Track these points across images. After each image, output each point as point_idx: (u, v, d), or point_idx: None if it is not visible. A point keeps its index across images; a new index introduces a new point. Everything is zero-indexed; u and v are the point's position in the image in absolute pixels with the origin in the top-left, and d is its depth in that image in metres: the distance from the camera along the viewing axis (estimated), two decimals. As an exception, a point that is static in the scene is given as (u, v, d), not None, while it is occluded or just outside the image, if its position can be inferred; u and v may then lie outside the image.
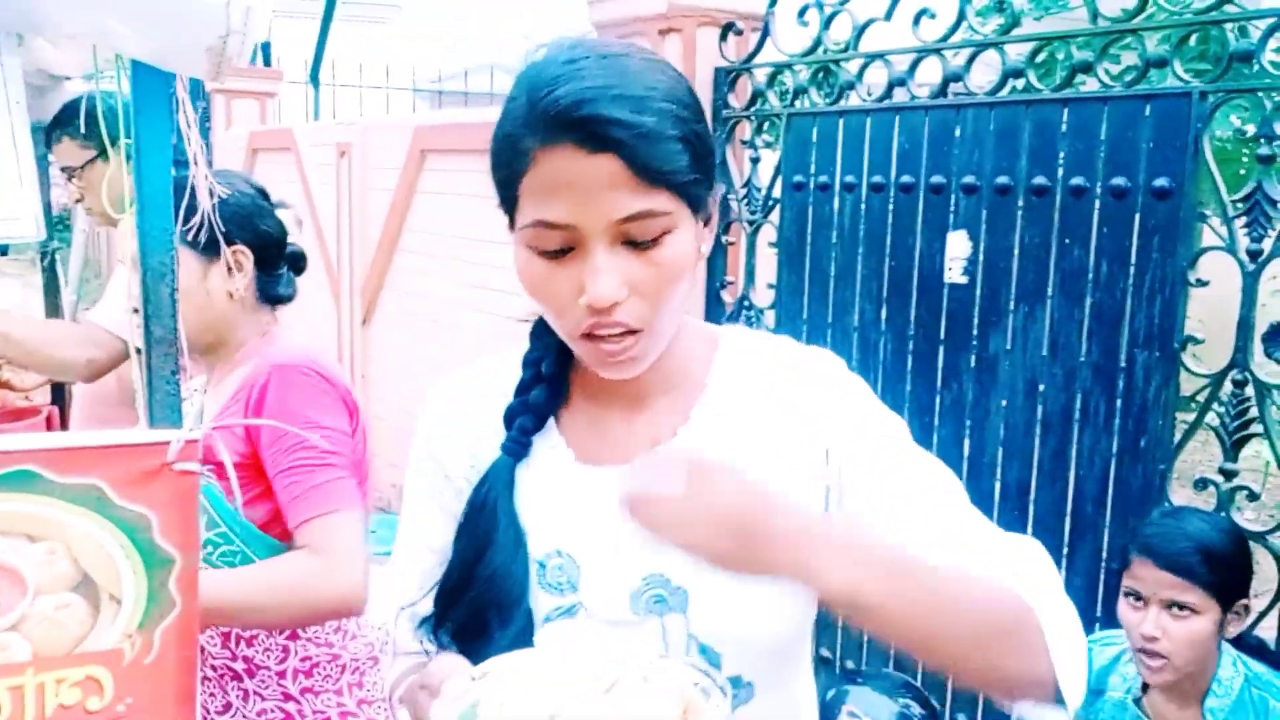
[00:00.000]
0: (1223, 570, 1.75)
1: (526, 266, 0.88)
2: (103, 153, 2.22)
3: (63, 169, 2.35)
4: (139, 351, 1.13)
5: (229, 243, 1.57)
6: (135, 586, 1.03)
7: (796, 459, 0.93)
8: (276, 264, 1.74)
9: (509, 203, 0.88)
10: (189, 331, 1.43)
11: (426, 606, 1.01)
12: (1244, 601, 1.78)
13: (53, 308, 2.82)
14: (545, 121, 0.81)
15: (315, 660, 1.63)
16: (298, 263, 1.82)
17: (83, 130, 2.21)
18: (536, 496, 0.96)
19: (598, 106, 0.80)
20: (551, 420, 0.99)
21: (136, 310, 1.13)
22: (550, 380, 0.98)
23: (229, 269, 1.64)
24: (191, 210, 1.26)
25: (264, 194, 1.77)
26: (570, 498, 0.96)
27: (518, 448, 0.97)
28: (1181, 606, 1.73)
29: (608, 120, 0.80)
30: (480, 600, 0.94)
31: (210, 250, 1.60)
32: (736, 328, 1.11)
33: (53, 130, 2.29)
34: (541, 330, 0.99)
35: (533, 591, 0.94)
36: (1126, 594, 1.81)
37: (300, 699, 1.63)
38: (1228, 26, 2.18)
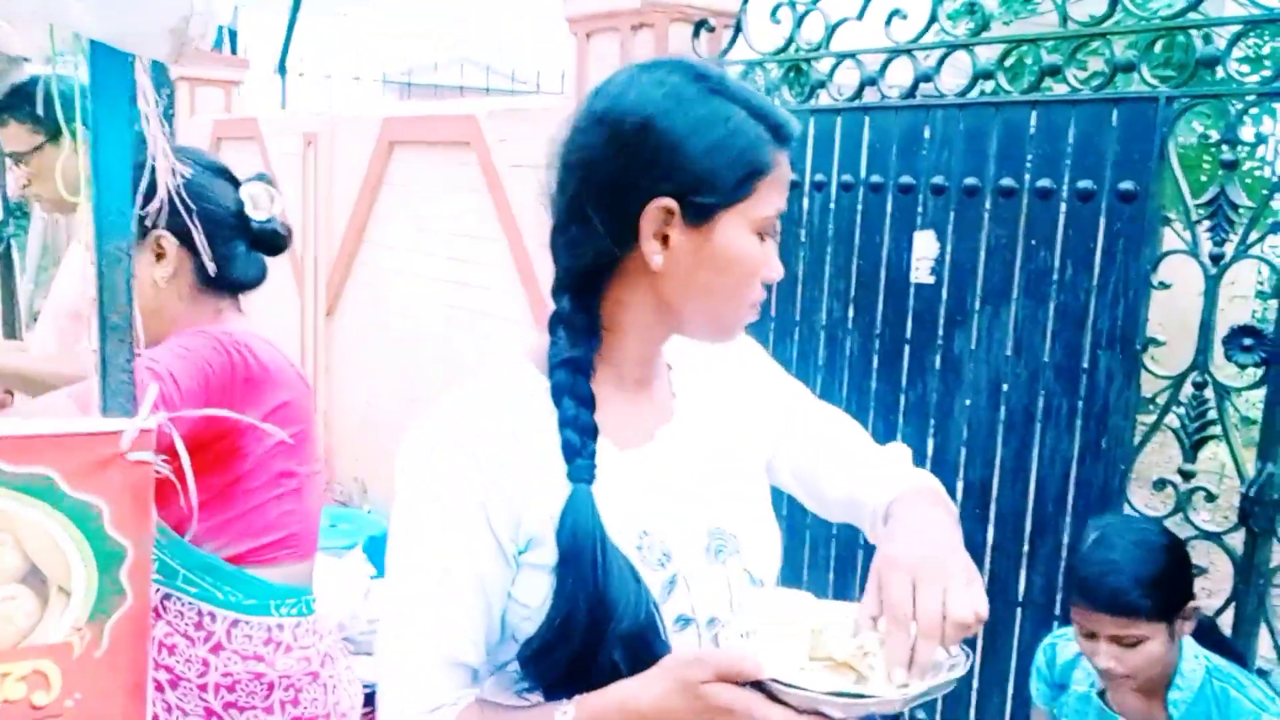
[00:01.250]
0: (1163, 593, 1.72)
1: (750, 247, 1.03)
2: (52, 138, 2.16)
3: (9, 154, 2.27)
4: (93, 348, 1.10)
5: (150, 227, 1.50)
6: (85, 578, 1.01)
7: (749, 411, 1.20)
8: (227, 245, 1.64)
9: (735, 195, 1.00)
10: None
11: (476, 657, 1.00)
12: (1190, 605, 1.77)
13: (8, 295, 2.76)
14: (778, 132, 1.03)
15: (237, 677, 1.56)
16: (268, 241, 1.71)
17: (31, 114, 2.14)
18: (602, 491, 1.00)
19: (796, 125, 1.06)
20: None
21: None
22: (590, 400, 1.04)
23: (155, 257, 1.57)
24: (150, 194, 1.23)
25: (217, 170, 1.67)
26: (626, 483, 1.04)
27: (592, 474, 1.00)
28: (1130, 637, 1.72)
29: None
30: (611, 635, 0.96)
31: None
32: None
33: None
34: (568, 361, 1.04)
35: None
36: (1075, 625, 1.80)
37: (224, 714, 1.57)
38: (1194, 33, 2.20)
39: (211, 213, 1.60)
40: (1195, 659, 1.79)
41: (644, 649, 0.97)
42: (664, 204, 1.00)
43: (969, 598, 0.90)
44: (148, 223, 1.52)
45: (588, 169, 1.02)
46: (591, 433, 1.02)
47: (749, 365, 1.24)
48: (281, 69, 7.33)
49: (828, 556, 2.88)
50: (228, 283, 1.67)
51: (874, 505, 1.17)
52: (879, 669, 0.89)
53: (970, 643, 0.90)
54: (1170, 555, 1.79)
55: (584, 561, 0.96)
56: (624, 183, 1.01)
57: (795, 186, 2.92)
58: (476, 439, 1.00)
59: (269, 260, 1.77)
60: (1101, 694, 1.88)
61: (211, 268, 1.61)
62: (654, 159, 1.00)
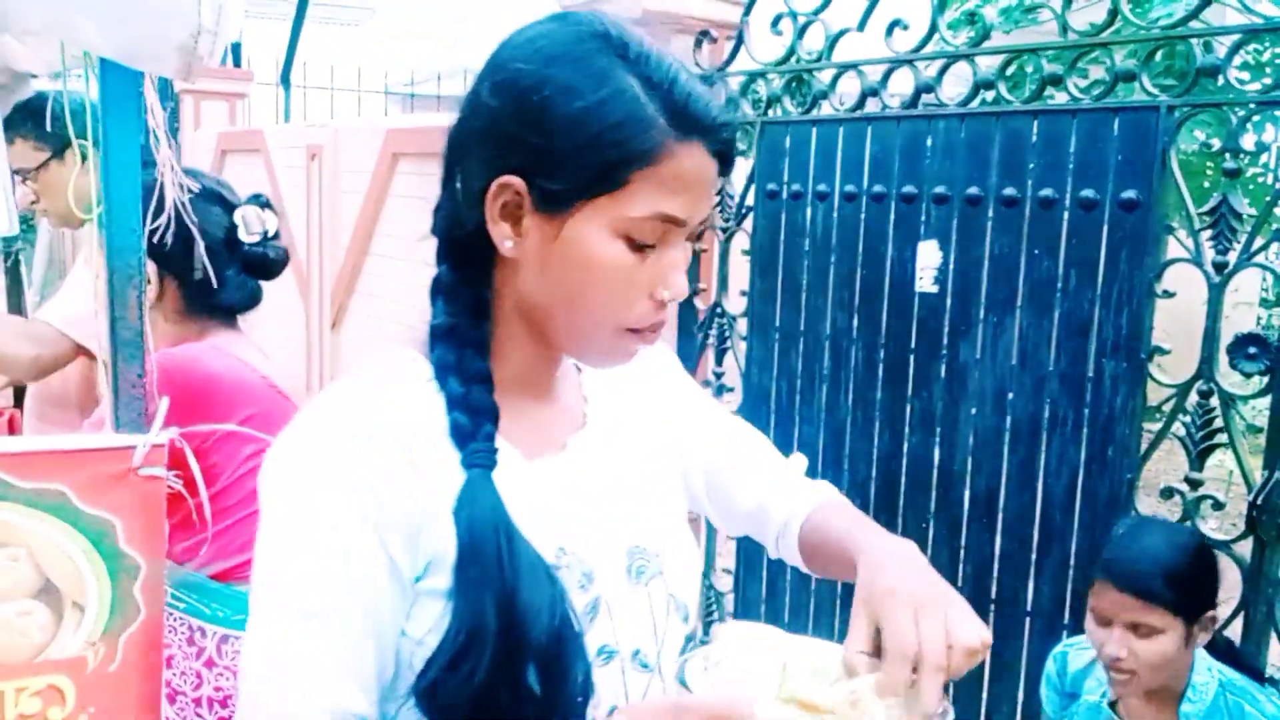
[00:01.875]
0: (1185, 588, 1.74)
1: (612, 256, 0.83)
2: (57, 154, 2.17)
3: (15, 172, 2.28)
4: (105, 365, 1.11)
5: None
6: (99, 593, 1.02)
7: (663, 422, 1.07)
8: (216, 270, 1.63)
9: (596, 185, 0.81)
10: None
11: (366, 705, 0.82)
12: (1210, 614, 1.77)
13: (15, 309, 2.77)
14: (688, 122, 0.82)
15: (228, 692, 1.56)
16: (258, 265, 1.71)
17: (37, 131, 2.15)
18: (510, 505, 0.86)
19: (730, 115, 0.85)
20: None
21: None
22: (489, 382, 0.89)
23: None
24: (159, 213, 1.24)
25: (209, 193, 1.67)
26: (538, 494, 0.90)
27: (489, 457, 0.86)
28: (1145, 626, 1.73)
29: (733, 129, 0.86)
30: (527, 646, 0.81)
31: None
32: None
33: (4, 131, 2.22)
34: (457, 332, 0.90)
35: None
36: (1091, 612, 1.81)
37: None
38: (1194, 41, 2.21)
39: (195, 238, 1.58)
40: (1209, 672, 1.78)
41: (561, 668, 0.83)
42: (507, 181, 0.83)
43: (974, 624, 0.82)
44: (154, 239, 1.53)
45: (456, 125, 0.88)
46: (488, 413, 0.87)
47: (662, 374, 1.11)
48: (285, 81, 7.36)
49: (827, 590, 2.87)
50: (215, 307, 1.67)
51: (784, 517, 1.11)
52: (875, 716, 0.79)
53: (977, 671, 0.87)
54: (1200, 557, 1.82)
55: (488, 556, 0.81)
56: (475, 148, 0.86)
57: (798, 197, 2.93)
58: (360, 439, 0.82)
59: (271, 279, 1.77)
60: (1113, 705, 1.87)
61: (213, 281, 1.62)
62: (506, 125, 0.83)
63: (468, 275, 0.91)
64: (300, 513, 0.81)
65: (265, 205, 1.73)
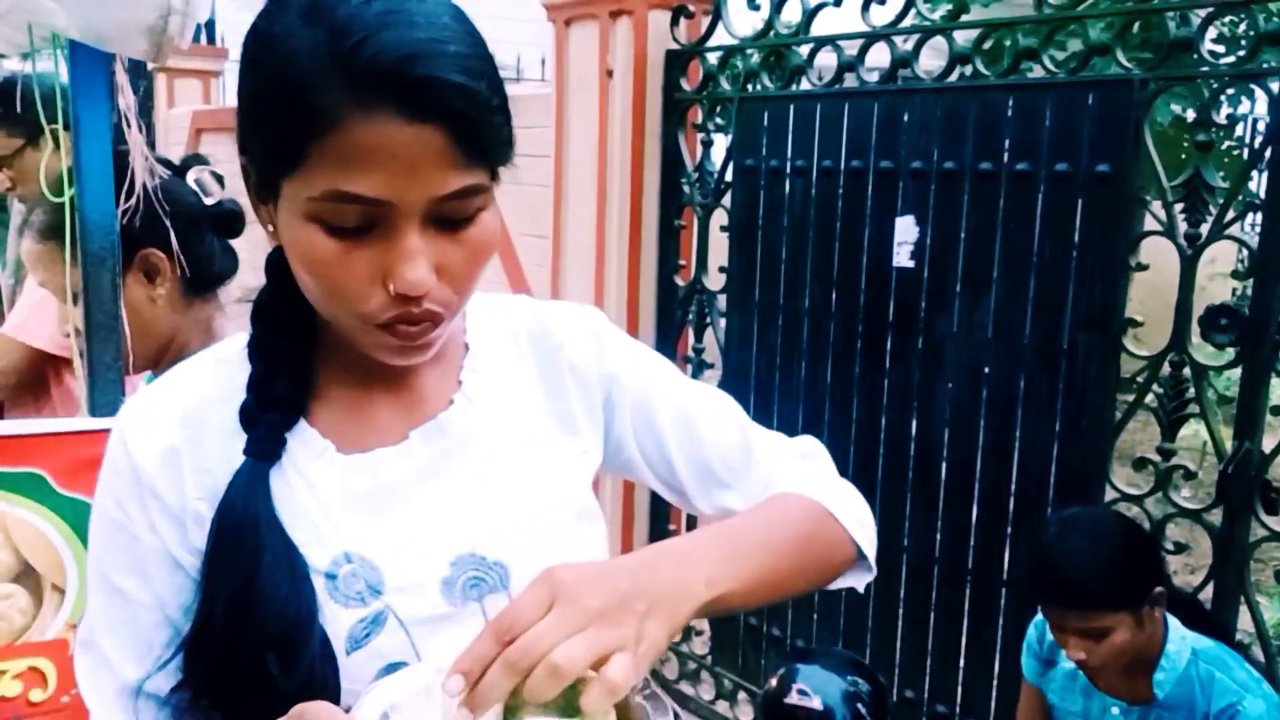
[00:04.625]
0: (1122, 583, 1.74)
1: (310, 243, 0.72)
2: (32, 140, 2.15)
3: None
4: (80, 349, 1.11)
5: (137, 247, 1.42)
6: (79, 575, 1.02)
7: (575, 408, 0.92)
8: (201, 243, 1.56)
9: (282, 162, 0.72)
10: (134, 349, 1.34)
11: (156, 682, 0.81)
12: (1157, 590, 1.77)
13: (-11, 291, 2.75)
14: (360, 79, 0.68)
15: None
16: (229, 226, 1.63)
17: (8, 116, 2.12)
18: (300, 502, 0.80)
19: (428, 66, 0.68)
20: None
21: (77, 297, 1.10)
22: (294, 366, 0.83)
23: (147, 276, 1.49)
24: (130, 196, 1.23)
25: (169, 165, 1.64)
26: (342, 494, 0.82)
27: (270, 448, 0.80)
28: (1095, 629, 1.74)
29: (439, 84, 0.68)
30: (257, 639, 0.76)
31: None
32: None
33: None
34: (269, 311, 0.84)
35: (326, 610, 0.78)
36: (1045, 617, 1.83)
37: None
38: (1168, 15, 2.22)
39: (185, 213, 1.52)
40: (1181, 641, 1.81)
41: (304, 661, 0.77)
42: (244, 163, 0.78)
43: (596, 646, 0.65)
44: (123, 220, 1.50)
45: None
46: (280, 401, 0.81)
47: (587, 351, 0.94)
48: (260, 59, 7.26)
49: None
50: (212, 280, 1.64)
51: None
52: None
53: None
54: (1127, 544, 1.80)
55: (229, 552, 0.77)
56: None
57: (776, 173, 2.93)
58: (145, 425, 0.81)
59: (238, 236, 1.74)
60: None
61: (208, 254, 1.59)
62: (238, 97, 0.77)
63: None
64: (100, 491, 0.82)
65: (203, 162, 1.70)
